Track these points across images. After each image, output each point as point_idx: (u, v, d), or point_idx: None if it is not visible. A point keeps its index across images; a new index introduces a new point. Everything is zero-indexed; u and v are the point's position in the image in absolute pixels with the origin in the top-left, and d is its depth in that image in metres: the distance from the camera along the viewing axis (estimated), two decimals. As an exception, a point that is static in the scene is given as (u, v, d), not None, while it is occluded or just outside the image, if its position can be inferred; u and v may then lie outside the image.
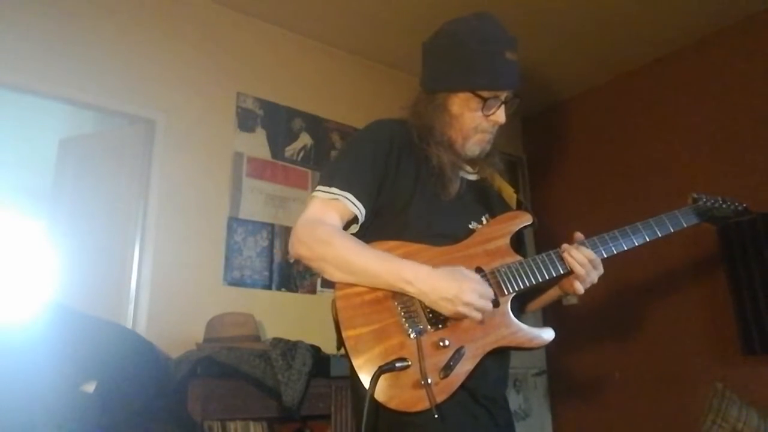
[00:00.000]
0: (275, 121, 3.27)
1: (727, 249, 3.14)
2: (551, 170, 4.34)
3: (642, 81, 3.83)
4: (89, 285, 2.75)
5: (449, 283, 1.14)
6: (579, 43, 3.61)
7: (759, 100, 3.21)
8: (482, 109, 1.31)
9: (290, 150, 3.29)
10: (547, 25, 3.42)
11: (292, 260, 3.06)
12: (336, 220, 1.25)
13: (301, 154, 3.33)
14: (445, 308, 1.15)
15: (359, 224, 1.30)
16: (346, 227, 1.29)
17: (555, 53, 3.71)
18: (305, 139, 3.37)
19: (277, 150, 3.23)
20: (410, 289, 1.16)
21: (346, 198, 1.25)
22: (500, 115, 1.32)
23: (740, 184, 3.13)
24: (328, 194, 1.26)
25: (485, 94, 1.30)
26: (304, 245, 1.23)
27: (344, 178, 1.27)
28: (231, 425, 2.23)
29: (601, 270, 1.32)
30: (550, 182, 4.32)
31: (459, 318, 1.17)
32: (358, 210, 1.26)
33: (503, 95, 1.32)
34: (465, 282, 1.15)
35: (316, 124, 3.43)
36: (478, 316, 1.16)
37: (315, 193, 1.28)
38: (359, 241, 1.23)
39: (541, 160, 4.44)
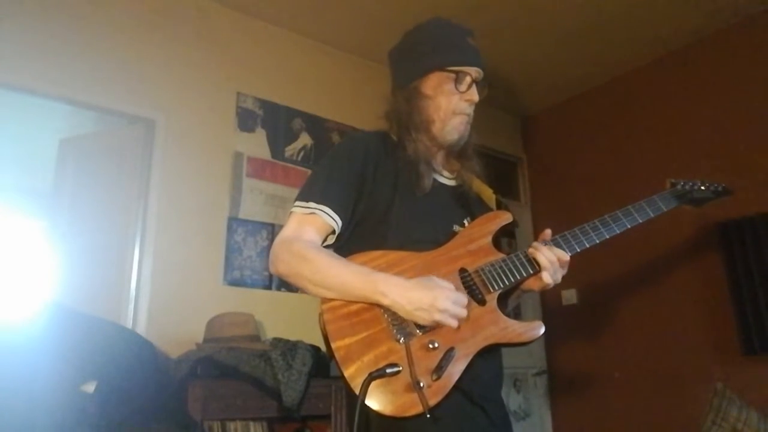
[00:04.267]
0: (275, 121, 3.27)
1: (727, 249, 3.15)
2: (551, 170, 4.34)
3: (642, 81, 3.83)
4: (89, 285, 2.75)
5: (423, 293, 1.15)
6: (579, 44, 3.60)
7: (759, 100, 3.21)
8: (455, 84, 1.35)
9: (290, 150, 3.29)
10: (547, 25, 3.42)
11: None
12: (313, 234, 1.27)
13: (301, 154, 3.33)
14: (421, 318, 1.16)
15: (336, 235, 1.31)
16: (324, 239, 1.31)
17: (555, 53, 3.71)
18: (305, 139, 3.37)
19: (277, 150, 3.23)
20: (385, 301, 1.17)
21: (323, 211, 1.27)
22: (473, 93, 1.36)
23: (740, 184, 3.12)
24: (305, 209, 1.28)
25: (454, 68, 1.35)
26: (283, 262, 1.25)
27: (320, 192, 1.29)
28: (231, 425, 2.23)
29: (565, 270, 1.34)
30: (550, 182, 4.32)
31: (436, 326, 1.17)
32: (335, 222, 1.28)
33: (472, 73, 1.36)
34: (438, 290, 1.16)
35: (316, 124, 3.43)
36: (453, 323, 1.16)
37: (293, 209, 1.31)
38: (335, 255, 1.25)
39: (540, 160, 4.44)
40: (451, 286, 1.20)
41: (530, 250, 1.31)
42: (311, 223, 1.28)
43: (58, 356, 1.92)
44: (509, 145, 4.44)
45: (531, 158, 4.53)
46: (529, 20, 3.36)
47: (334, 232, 1.30)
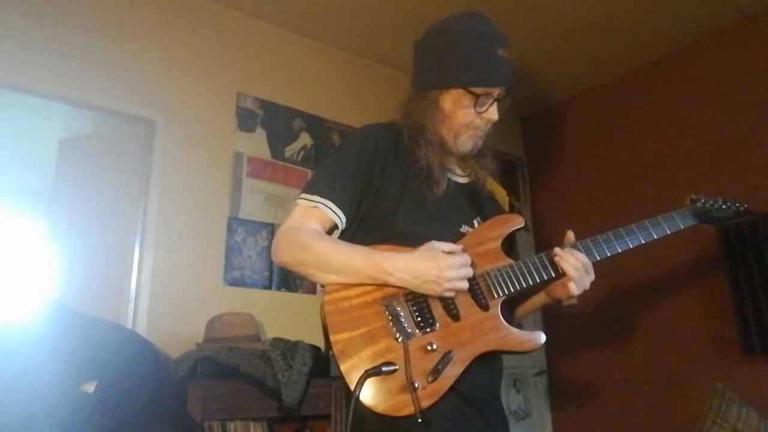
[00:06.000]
0: (275, 121, 3.27)
1: (727, 249, 3.14)
2: (551, 170, 4.34)
3: (641, 81, 3.83)
4: (89, 285, 2.75)
5: (428, 265, 1.16)
6: (578, 43, 3.60)
7: (759, 100, 3.21)
8: (474, 106, 1.30)
9: (290, 150, 3.29)
10: (547, 25, 3.42)
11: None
12: (316, 227, 1.27)
13: (301, 154, 3.33)
14: (432, 290, 1.17)
15: (340, 231, 1.31)
16: (328, 234, 1.30)
17: (554, 53, 3.71)
18: (305, 139, 3.37)
19: (277, 150, 3.23)
20: (392, 280, 1.17)
21: (326, 206, 1.27)
22: (493, 113, 1.32)
23: (740, 183, 3.13)
24: (309, 202, 1.28)
25: (477, 90, 1.29)
26: (285, 252, 1.25)
27: (326, 186, 1.29)
28: (231, 425, 2.23)
29: (592, 276, 1.30)
30: (550, 182, 4.32)
31: (448, 296, 1.18)
32: (338, 218, 1.28)
33: (495, 92, 1.31)
34: (442, 260, 1.16)
35: (316, 124, 3.43)
36: (465, 286, 1.18)
37: (298, 201, 1.31)
38: (338, 240, 1.26)
39: (540, 160, 4.44)
40: (454, 247, 1.20)
41: (556, 258, 1.28)
42: (314, 216, 1.28)
43: (58, 356, 1.92)
44: (509, 145, 4.44)
45: (531, 158, 4.52)
46: (529, 20, 3.35)
47: (337, 227, 1.30)
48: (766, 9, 3.24)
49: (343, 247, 1.23)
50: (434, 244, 1.19)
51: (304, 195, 1.30)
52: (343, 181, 1.29)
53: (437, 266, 1.15)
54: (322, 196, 1.27)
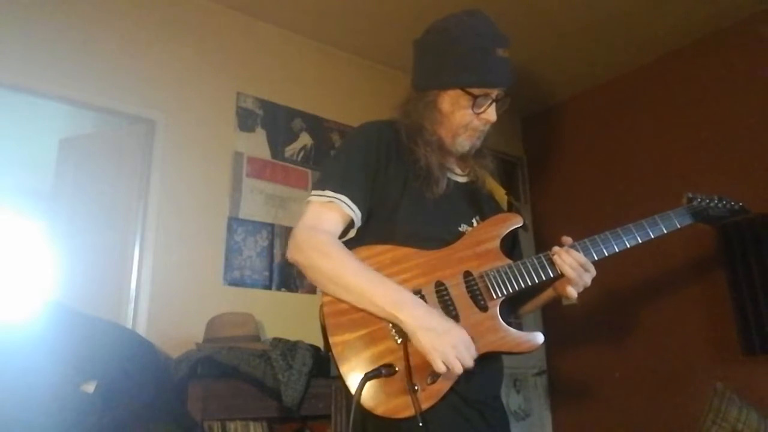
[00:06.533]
0: (275, 121, 3.27)
1: (727, 248, 3.14)
2: (551, 170, 4.34)
3: (641, 81, 3.82)
4: (89, 285, 2.75)
5: (442, 336, 1.09)
6: (578, 43, 3.60)
7: (759, 100, 3.21)
8: (472, 107, 1.29)
9: (290, 150, 3.29)
10: (547, 24, 3.42)
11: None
12: (332, 225, 1.24)
13: (301, 154, 3.33)
14: (432, 359, 1.09)
15: (356, 229, 1.28)
16: (343, 233, 1.28)
17: (554, 53, 3.71)
18: (305, 139, 3.37)
19: (277, 150, 3.23)
20: (401, 317, 1.12)
21: (341, 200, 1.24)
22: (491, 114, 1.31)
23: (740, 184, 3.13)
24: (323, 197, 1.24)
25: (475, 91, 1.28)
26: (302, 252, 1.22)
27: (337, 182, 1.26)
28: (231, 425, 2.23)
29: (593, 272, 1.30)
30: (550, 182, 4.32)
31: (438, 367, 1.10)
32: (354, 213, 1.25)
33: (494, 93, 1.30)
34: (457, 335, 1.11)
35: (316, 124, 3.43)
36: (459, 370, 1.10)
37: (310, 198, 1.27)
38: (356, 257, 1.20)
39: (540, 160, 4.44)
40: (466, 336, 1.13)
41: (554, 257, 1.28)
42: (330, 212, 1.24)
43: (58, 356, 1.92)
44: (508, 145, 4.44)
45: (531, 158, 4.52)
46: (529, 20, 3.35)
47: (353, 224, 1.27)
48: (766, 9, 3.24)
49: (362, 268, 1.17)
50: (454, 325, 1.14)
51: (315, 192, 1.26)
52: (353, 177, 1.27)
53: (451, 342, 1.09)
54: (335, 191, 1.24)
